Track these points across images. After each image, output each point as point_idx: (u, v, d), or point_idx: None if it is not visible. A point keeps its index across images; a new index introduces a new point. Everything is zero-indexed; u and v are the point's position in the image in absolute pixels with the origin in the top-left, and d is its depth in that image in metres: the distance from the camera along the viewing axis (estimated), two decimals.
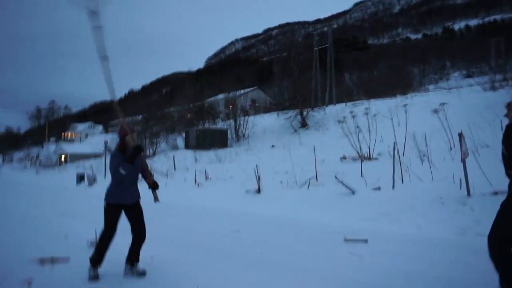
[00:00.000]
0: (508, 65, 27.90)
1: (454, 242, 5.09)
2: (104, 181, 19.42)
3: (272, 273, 4.16)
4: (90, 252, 5.45)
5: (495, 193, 6.18)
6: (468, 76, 55.84)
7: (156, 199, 4.45)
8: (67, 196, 14.66)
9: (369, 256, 4.62)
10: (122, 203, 4.34)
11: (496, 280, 3.10)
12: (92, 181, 19.00)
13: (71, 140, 75.95)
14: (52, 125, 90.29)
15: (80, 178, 20.84)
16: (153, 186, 4.37)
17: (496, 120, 11.99)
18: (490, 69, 30.96)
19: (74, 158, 48.51)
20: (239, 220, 7.56)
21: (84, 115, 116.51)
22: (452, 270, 4.04)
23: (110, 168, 4.29)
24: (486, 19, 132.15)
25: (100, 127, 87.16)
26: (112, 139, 33.13)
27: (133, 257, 4.40)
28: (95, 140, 57.50)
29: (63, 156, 52.71)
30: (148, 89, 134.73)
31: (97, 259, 4.31)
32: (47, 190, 18.23)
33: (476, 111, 14.90)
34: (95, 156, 39.49)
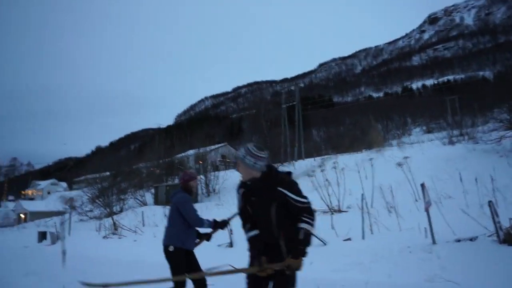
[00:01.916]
0: (463, 121, 29.86)
1: None
2: (69, 239, 18.59)
3: None
4: None
5: (458, 241, 6.48)
6: (428, 131, 58.98)
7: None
8: (28, 255, 13.92)
9: None
10: (187, 248, 4.38)
11: None
12: (56, 239, 18.15)
13: (32, 198, 72.79)
14: (12, 182, 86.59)
15: (42, 236, 19.90)
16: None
17: (455, 173, 12.65)
18: (447, 125, 32.93)
19: (35, 216, 46.30)
20: None
21: (47, 172, 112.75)
22: None
23: (189, 213, 4.33)
24: (441, 79, 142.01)
25: (64, 184, 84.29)
26: (77, 196, 32.18)
27: None
28: (59, 198, 55.49)
29: (22, 215, 50.22)
30: (116, 146, 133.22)
31: None
32: (5, 249, 17.25)
33: (437, 164, 15.69)
34: (59, 213, 37.90)
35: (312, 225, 2.68)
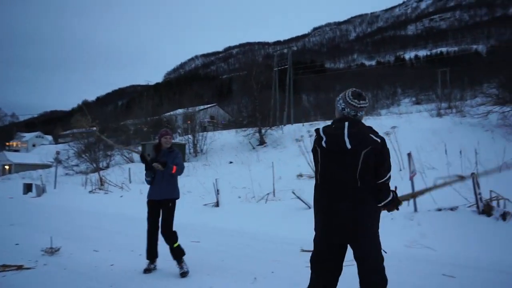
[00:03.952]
0: (452, 94, 30.00)
1: (403, 253, 5.46)
2: (54, 192, 18.65)
3: (233, 278, 4.31)
4: (43, 259, 5.37)
5: (439, 210, 6.68)
6: (417, 103, 59.23)
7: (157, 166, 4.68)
8: (14, 207, 13.95)
9: None
10: (152, 199, 4.79)
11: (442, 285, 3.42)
12: (41, 191, 18.17)
13: (17, 150, 72.01)
14: None
15: (28, 188, 19.88)
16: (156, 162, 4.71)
17: (441, 145, 12.86)
18: (436, 97, 33.05)
19: (20, 168, 46.02)
20: (198, 232, 7.60)
21: (32, 125, 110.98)
22: (400, 275, 4.37)
23: None
24: (434, 51, 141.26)
25: (49, 138, 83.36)
26: (63, 149, 31.93)
27: (171, 254, 4.63)
28: (44, 151, 55.01)
29: (7, 166, 49.86)
30: (103, 101, 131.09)
31: (147, 253, 4.73)
32: None
33: (423, 135, 15.87)
34: (44, 166, 37.75)
35: None
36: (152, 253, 4.73)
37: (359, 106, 2.61)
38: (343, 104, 2.64)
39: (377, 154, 2.50)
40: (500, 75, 16.69)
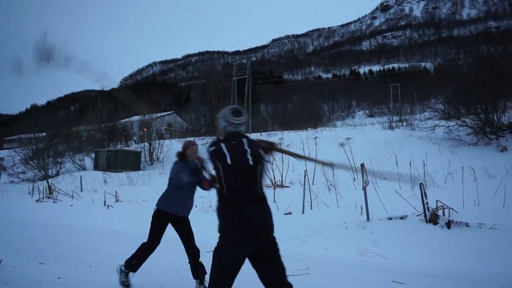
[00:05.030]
0: (403, 108, 31.48)
1: (356, 261, 5.61)
2: None
3: None
4: None
5: (390, 219, 6.94)
6: (371, 115, 61.53)
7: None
8: None
9: None
10: (172, 213, 4.28)
11: None
12: None
13: None
14: None
15: None
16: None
17: (392, 156, 13.41)
18: (388, 111, 34.55)
19: None
20: None
21: None
22: (352, 283, 4.48)
23: (170, 174, 4.28)
24: (386, 66, 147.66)
25: None
26: (8, 156, 30.18)
27: (196, 273, 4.28)
28: None
29: None
30: (54, 105, 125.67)
31: (137, 266, 4.24)
32: None
33: (376, 147, 16.49)
34: None
35: None
36: (139, 267, 4.30)
37: (237, 123, 2.80)
38: (225, 122, 2.80)
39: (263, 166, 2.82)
40: (446, 92, 17.72)
